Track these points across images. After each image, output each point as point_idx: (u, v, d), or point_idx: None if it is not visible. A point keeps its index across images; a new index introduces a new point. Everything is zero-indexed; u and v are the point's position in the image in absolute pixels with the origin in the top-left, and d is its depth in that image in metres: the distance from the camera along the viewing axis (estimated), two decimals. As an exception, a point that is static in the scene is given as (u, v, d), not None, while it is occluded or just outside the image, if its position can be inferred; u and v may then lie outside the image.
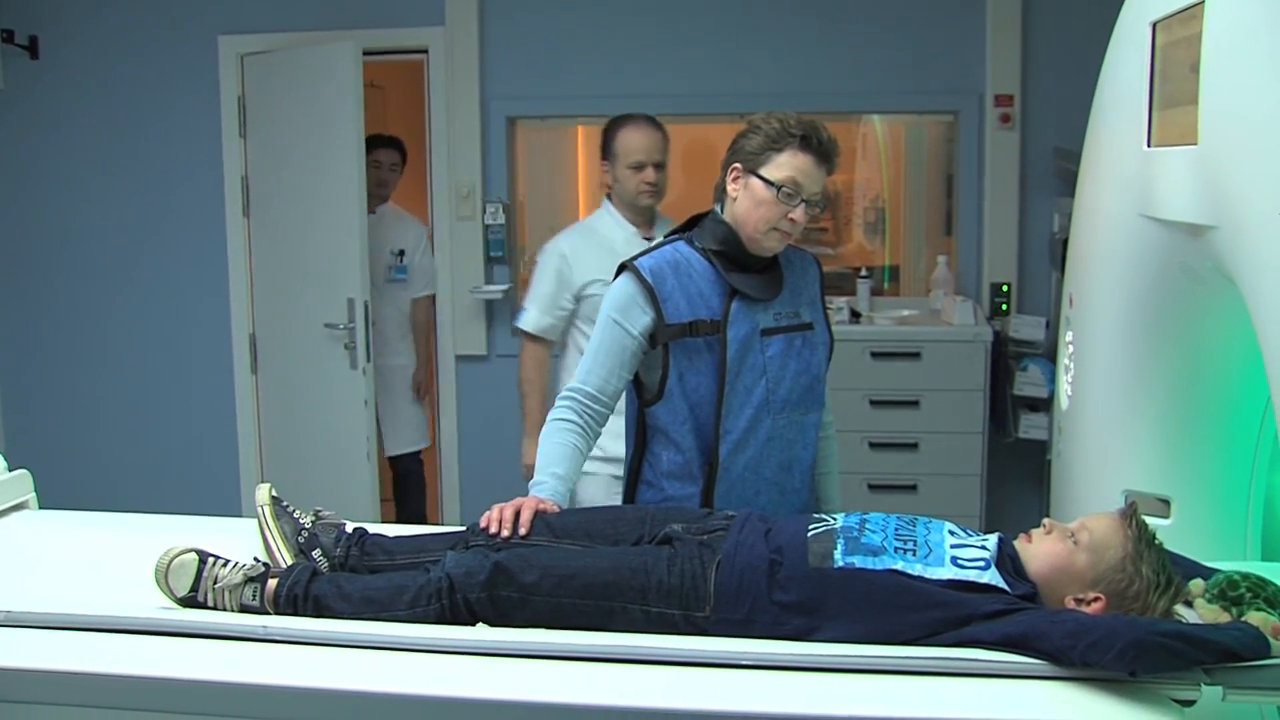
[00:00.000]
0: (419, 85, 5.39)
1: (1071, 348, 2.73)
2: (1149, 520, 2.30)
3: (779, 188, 2.50)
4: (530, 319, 3.64)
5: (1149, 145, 2.21)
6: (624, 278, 2.60)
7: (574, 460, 2.54)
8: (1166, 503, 2.44)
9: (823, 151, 2.53)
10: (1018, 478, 4.98)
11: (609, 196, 3.62)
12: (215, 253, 5.36)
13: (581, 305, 3.57)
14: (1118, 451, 2.52)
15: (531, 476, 2.52)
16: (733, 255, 2.59)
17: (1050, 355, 4.56)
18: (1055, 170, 4.81)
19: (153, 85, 5.34)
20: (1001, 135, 4.93)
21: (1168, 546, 2.33)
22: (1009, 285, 4.96)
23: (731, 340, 2.54)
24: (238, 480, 5.44)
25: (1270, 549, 2.46)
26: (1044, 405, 4.67)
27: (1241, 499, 2.42)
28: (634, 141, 3.50)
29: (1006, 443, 4.87)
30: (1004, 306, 4.97)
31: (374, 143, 5.03)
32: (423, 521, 5.23)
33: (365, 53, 5.47)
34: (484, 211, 5.24)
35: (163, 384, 5.53)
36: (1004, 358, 4.82)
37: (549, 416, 2.60)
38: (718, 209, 2.64)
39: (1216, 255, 1.87)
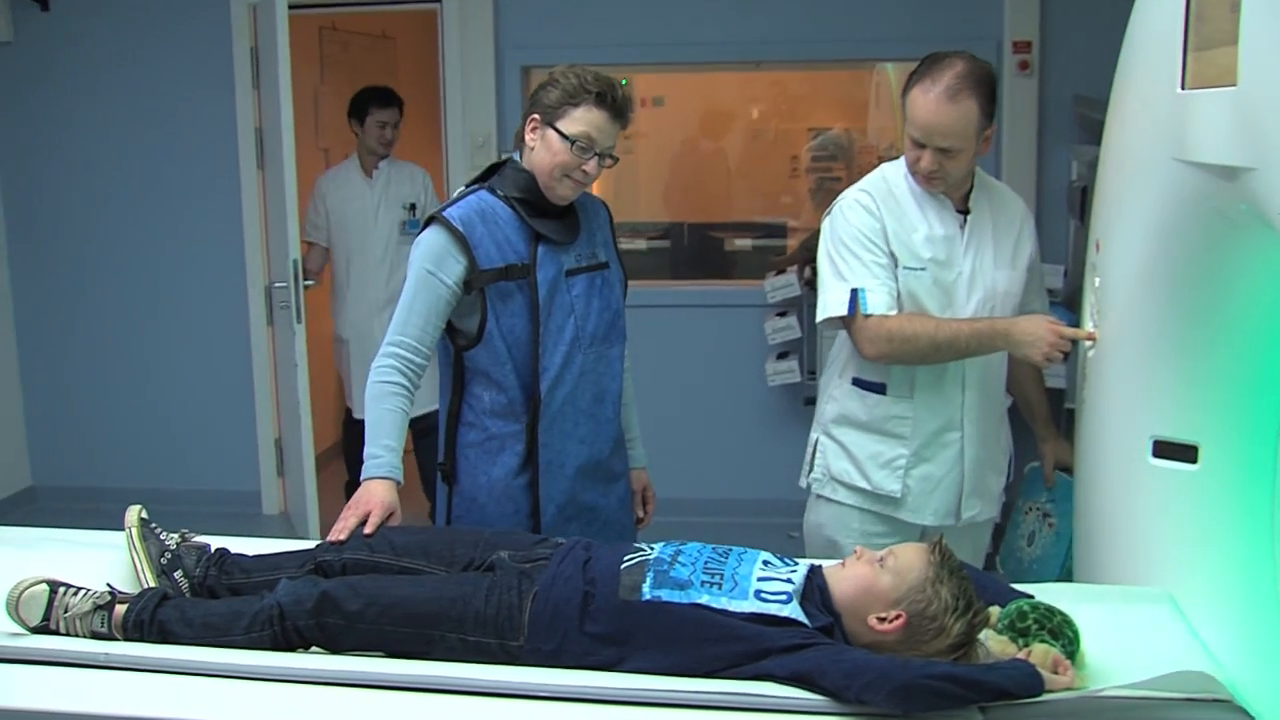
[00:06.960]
0: (431, 36, 5.35)
1: (1097, 294, 2.71)
2: (1176, 467, 2.33)
3: (573, 141, 2.62)
4: None
5: (1183, 88, 2.18)
6: (433, 229, 2.67)
7: (402, 428, 2.62)
8: (1194, 449, 2.43)
9: (617, 108, 2.66)
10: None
11: None
12: (230, 205, 5.35)
13: None
14: (1145, 398, 2.50)
15: None
16: (533, 202, 2.70)
17: (1069, 303, 4.54)
18: (1075, 118, 4.77)
19: (164, 36, 5.31)
20: (1020, 82, 4.89)
21: (1195, 492, 2.35)
22: (1026, 234, 4.92)
23: (541, 282, 2.68)
24: (254, 432, 5.46)
25: (1298, 494, 2.45)
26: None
27: (1270, 445, 2.41)
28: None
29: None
30: (1022, 255, 4.94)
31: (372, 100, 4.96)
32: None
33: (375, 1, 5.44)
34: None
35: (176, 337, 5.54)
36: (1022, 306, 4.79)
37: (373, 377, 2.64)
38: (516, 157, 2.74)
39: (1252, 197, 1.85)
